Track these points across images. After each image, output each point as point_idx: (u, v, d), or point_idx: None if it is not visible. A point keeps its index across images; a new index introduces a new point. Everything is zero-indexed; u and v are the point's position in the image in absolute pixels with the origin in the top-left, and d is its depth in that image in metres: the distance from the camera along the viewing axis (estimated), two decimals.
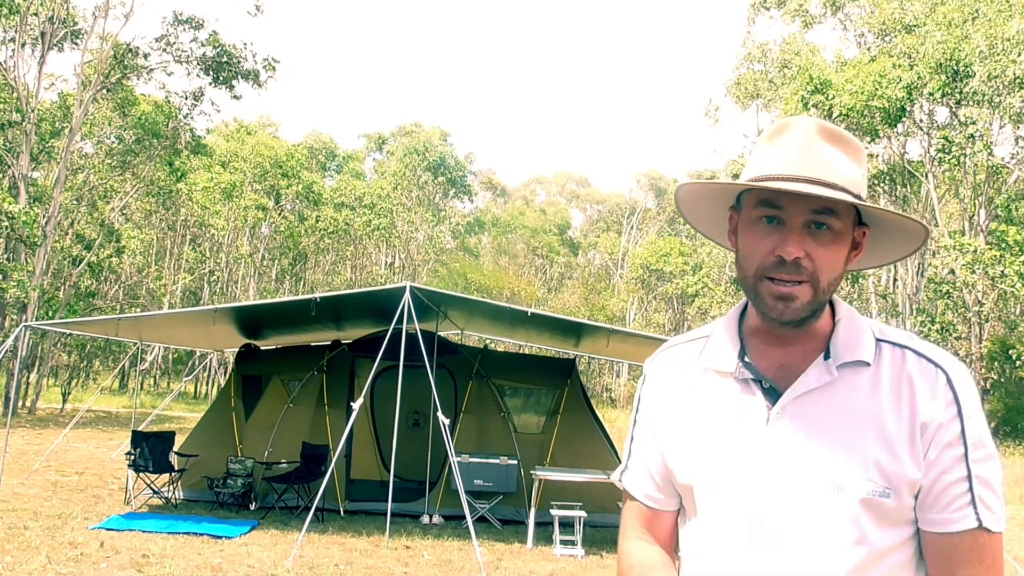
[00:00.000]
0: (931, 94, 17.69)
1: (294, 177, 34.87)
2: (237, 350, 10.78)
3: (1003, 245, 16.99)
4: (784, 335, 1.21)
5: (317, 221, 36.04)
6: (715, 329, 1.30)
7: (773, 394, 1.20)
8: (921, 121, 20.42)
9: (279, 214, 35.24)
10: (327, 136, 48.10)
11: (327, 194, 39.08)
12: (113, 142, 23.47)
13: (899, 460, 1.13)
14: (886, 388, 1.16)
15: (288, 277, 37.71)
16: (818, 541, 1.13)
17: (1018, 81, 15.70)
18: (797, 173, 1.14)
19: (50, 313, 20.78)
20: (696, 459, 1.24)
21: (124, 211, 26.72)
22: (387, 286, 8.69)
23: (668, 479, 1.29)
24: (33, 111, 19.85)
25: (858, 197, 1.16)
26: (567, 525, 8.12)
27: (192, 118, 23.37)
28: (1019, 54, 15.52)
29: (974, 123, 17.07)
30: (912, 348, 1.19)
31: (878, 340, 1.21)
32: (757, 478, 1.17)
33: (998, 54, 15.84)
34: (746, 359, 1.23)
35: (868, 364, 1.18)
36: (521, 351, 17.40)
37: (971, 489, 1.12)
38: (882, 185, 22.15)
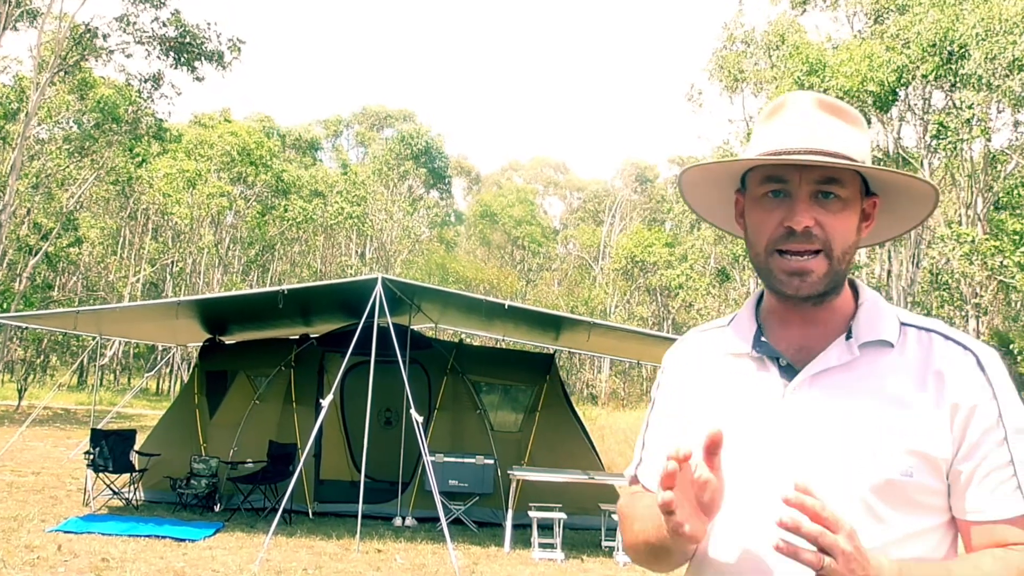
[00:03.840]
0: (924, 76, 17.54)
1: (263, 166, 34.24)
2: (201, 344, 10.65)
3: (1002, 235, 16.93)
4: (803, 314, 1.21)
5: (285, 211, 35.44)
6: (735, 315, 1.32)
7: (790, 372, 1.19)
8: (916, 106, 20.31)
9: (245, 203, 34.58)
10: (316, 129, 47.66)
11: (301, 180, 38.43)
12: (71, 127, 22.84)
13: (922, 441, 1.11)
14: (911, 369, 1.15)
15: (254, 268, 37.12)
16: None
17: (1018, 63, 15.56)
18: (800, 146, 1.16)
19: (5, 306, 20.33)
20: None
21: (81, 199, 26.02)
22: (358, 277, 8.52)
23: None
24: None
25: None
26: (546, 527, 8.10)
27: (153, 101, 22.81)
28: (1020, 34, 15.42)
29: (971, 107, 16.91)
30: (939, 332, 1.19)
31: (903, 324, 1.20)
32: (770, 454, 1.16)
33: (995, 35, 15.72)
34: (762, 339, 1.24)
35: (892, 345, 1.17)
36: (498, 346, 17.23)
37: (1016, 474, 1.10)
38: None
